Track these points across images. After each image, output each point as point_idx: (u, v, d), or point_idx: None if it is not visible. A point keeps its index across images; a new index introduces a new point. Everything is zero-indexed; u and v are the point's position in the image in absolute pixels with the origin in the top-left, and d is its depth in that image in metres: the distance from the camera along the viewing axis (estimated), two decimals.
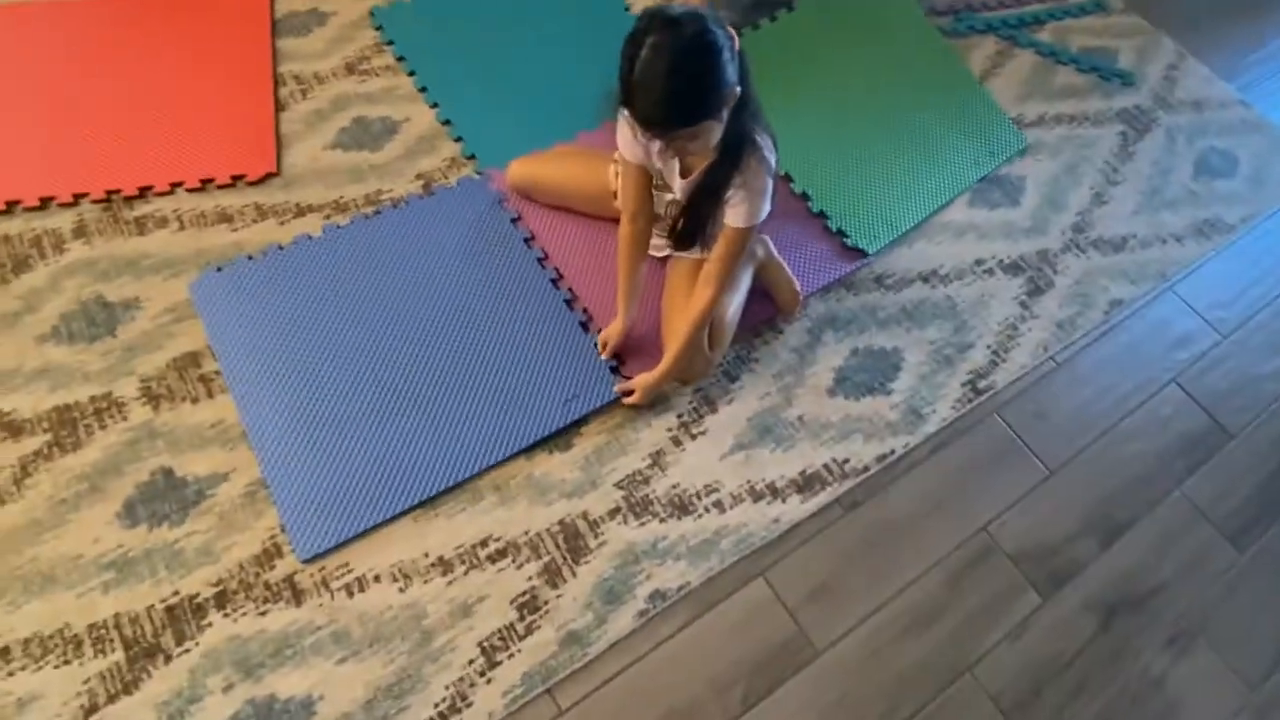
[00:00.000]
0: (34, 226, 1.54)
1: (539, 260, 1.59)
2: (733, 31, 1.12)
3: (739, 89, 1.12)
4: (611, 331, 1.48)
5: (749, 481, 1.40)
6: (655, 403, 1.46)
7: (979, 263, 1.71)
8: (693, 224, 1.33)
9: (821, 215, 1.71)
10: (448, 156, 1.72)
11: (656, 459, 1.41)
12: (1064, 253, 1.75)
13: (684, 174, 1.32)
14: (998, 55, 2.07)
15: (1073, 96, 2.01)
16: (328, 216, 1.61)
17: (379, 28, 1.89)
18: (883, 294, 1.65)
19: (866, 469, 1.44)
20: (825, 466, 1.43)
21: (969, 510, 1.44)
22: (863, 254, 1.67)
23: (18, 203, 1.55)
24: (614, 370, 1.48)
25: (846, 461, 1.44)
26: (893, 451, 1.46)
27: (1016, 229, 1.77)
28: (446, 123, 1.76)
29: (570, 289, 1.57)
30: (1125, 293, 1.70)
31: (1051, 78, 2.04)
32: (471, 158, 1.72)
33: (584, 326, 1.53)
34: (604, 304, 1.55)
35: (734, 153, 1.21)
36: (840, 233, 1.69)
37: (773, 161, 1.26)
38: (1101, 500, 1.47)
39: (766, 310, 1.58)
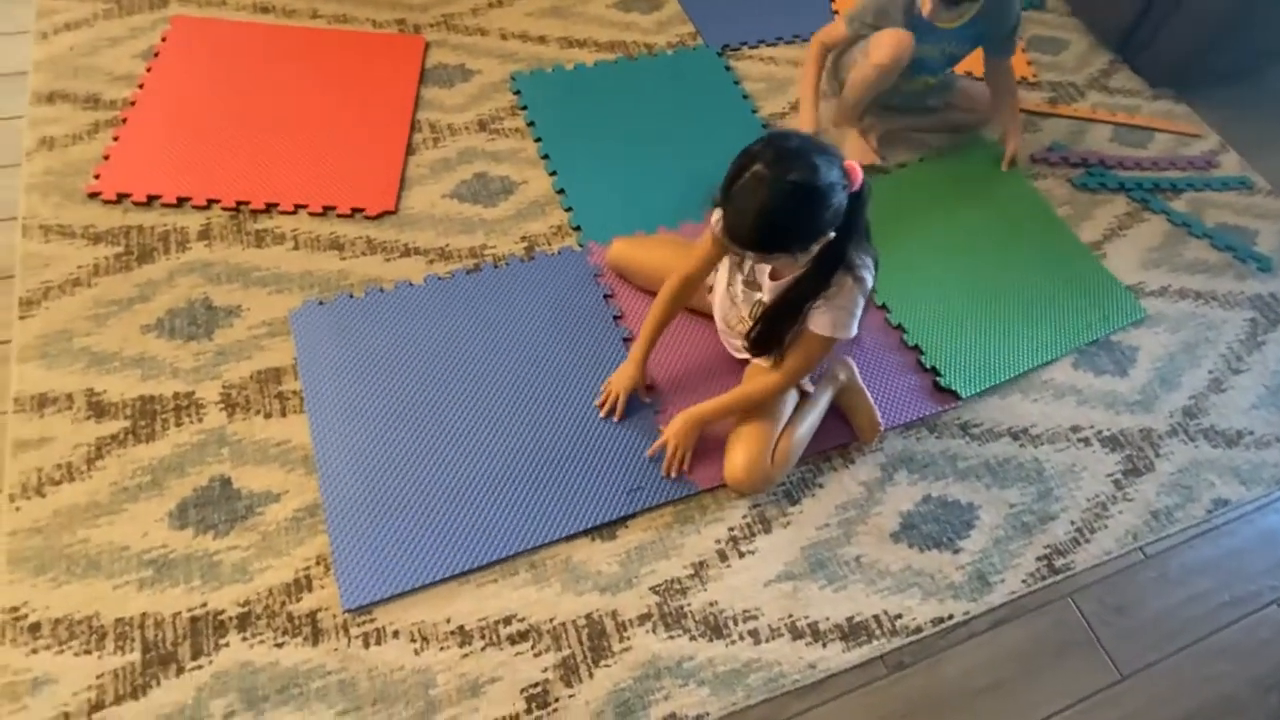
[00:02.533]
0: (166, 222, 1.62)
1: (624, 340, 1.57)
2: (853, 168, 1.10)
3: (832, 234, 1.11)
4: (619, 382, 1.45)
5: (791, 616, 1.31)
6: (708, 510, 1.40)
7: (1075, 429, 1.59)
8: (768, 331, 1.29)
9: (916, 349, 1.64)
10: (555, 224, 1.74)
11: (699, 570, 1.34)
12: (1170, 436, 1.61)
13: (773, 276, 1.29)
14: (1126, 216, 1.97)
15: (1203, 272, 1.89)
16: (431, 262, 1.64)
17: (517, 92, 1.96)
18: (967, 443, 1.55)
19: (920, 630, 1.33)
20: (875, 618, 1.33)
21: (1025, 700, 1.30)
22: (955, 396, 1.59)
23: (158, 198, 1.64)
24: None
25: (899, 617, 1.33)
26: (951, 616, 1.34)
27: (1121, 401, 1.65)
28: (560, 191, 1.79)
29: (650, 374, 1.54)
30: (1233, 493, 1.55)
31: (1181, 249, 1.93)
32: (577, 229, 1.73)
33: (658, 415, 1.49)
34: (679, 393, 1.51)
35: (824, 272, 1.18)
36: (934, 370, 1.61)
37: (869, 282, 1.22)
38: None
39: (842, 435, 1.51)
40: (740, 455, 1.36)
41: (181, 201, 1.64)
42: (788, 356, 1.29)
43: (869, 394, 1.50)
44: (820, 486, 1.46)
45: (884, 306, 1.69)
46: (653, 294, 1.62)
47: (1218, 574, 1.47)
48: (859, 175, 1.11)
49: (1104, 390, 1.66)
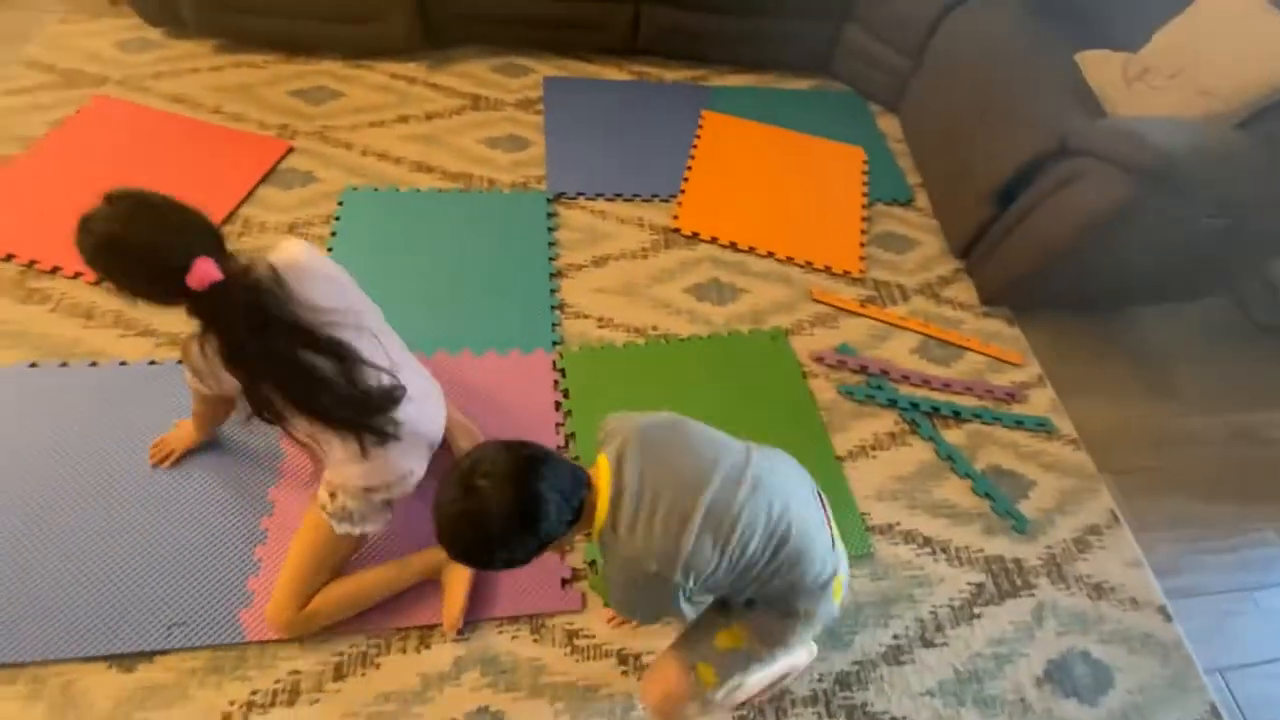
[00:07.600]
0: None
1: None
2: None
3: None
4: (179, 440, 1.25)
5: None
6: (246, 663, 1.09)
7: None
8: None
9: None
10: None
11: None
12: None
13: None
14: (888, 437, 1.53)
15: (946, 516, 1.41)
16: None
17: (340, 203, 1.76)
18: (568, 654, 1.16)
19: None
20: None
21: None
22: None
23: None
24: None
25: None
26: None
27: None
28: None
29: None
30: None
31: (934, 485, 1.46)
32: None
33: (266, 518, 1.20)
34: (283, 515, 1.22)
35: None
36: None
37: None
38: None
39: (436, 614, 1.17)
40: (275, 591, 1.07)
41: None
42: None
43: (468, 584, 1.16)
44: (376, 667, 1.12)
45: None
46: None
47: None
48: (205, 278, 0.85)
49: None
